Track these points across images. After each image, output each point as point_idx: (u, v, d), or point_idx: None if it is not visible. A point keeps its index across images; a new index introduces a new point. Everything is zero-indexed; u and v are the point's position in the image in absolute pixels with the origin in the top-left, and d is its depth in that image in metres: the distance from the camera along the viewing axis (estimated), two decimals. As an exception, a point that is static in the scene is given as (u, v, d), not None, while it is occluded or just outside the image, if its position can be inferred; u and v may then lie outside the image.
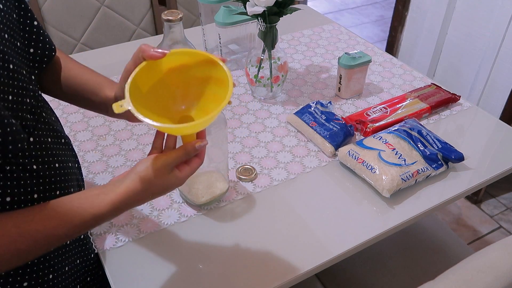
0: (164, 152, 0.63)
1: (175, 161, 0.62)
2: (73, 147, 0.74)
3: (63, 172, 0.65)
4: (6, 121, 0.52)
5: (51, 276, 0.66)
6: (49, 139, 0.64)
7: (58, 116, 1.04)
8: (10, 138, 0.53)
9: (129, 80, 0.57)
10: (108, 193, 0.60)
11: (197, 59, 0.60)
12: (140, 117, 0.54)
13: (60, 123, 0.72)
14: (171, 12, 0.87)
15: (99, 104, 0.73)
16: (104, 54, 1.30)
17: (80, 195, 0.60)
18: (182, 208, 0.83)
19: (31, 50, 0.63)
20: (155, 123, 0.54)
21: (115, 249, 0.76)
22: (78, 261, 0.73)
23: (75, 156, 0.73)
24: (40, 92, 0.64)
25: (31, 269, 0.63)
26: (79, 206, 0.59)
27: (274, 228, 0.80)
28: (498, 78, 1.68)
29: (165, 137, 0.65)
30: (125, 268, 0.73)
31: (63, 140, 0.68)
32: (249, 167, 0.91)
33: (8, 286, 0.61)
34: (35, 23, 0.63)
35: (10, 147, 0.54)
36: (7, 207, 0.57)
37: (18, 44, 0.59)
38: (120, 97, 0.68)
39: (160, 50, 0.59)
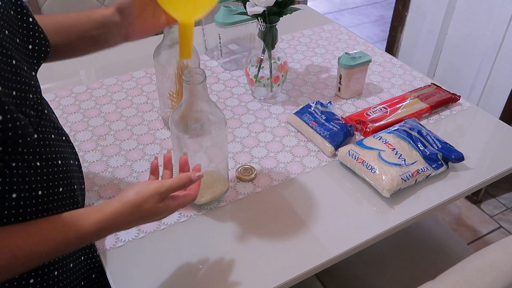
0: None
1: (168, 190, 0.63)
2: (75, 146, 0.74)
3: (66, 169, 0.66)
4: (15, 115, 0.52)
5: (56, 273, 0.67)
6: (52, 136, 0.64)
7: (58, 116, 1.04)
8: (19, 132, 0.53)
9: None
10: (95, 213, 0.60)
11: None
12: None
13: (59, 121, 0.72)
14: (171, 12, 0.87)
15: (98, 28, 0.73)
16: (104, 54, 1.30)
17: (66, 214, 0.60)
18: (182, 208, 0.83)
19: (30, 46, 0.63)
20: None
21: (115, 249, 0.76)
22: (82, 258, 0.73)
23: (76, 153, 0.73)
24: (40, 89, 0.64)
25: (37, 267, 0.63)
26: (64, 224, 0.58)
27: (274, 228, 0.80)
28: (498, 78, 1.68)
29: (162, 172, 0.67)
30: (125, 268, 0.73)
31: (64, 138, 0.68)
32: (249, 167, 0.91)
33: (15, 283, 0.61)
34: (31, 19, 0.64)
35: (20, 141, 0.54)
36: (13, 203, 0.57)
37: (18, 40, 0.59)
38: (123, 4, 0.70)
39: None
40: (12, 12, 0.60)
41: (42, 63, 0.67)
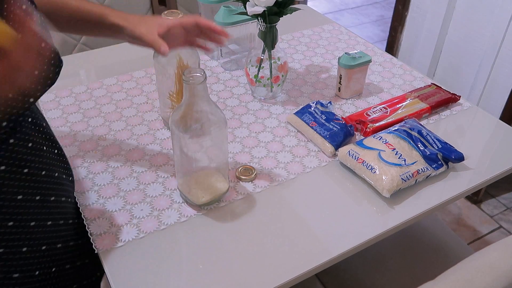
0: None
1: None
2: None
3: (50, 180, 0.69)
4: None
5: (67, 266, 0.70)
6: (33, 142, 0.66)
7: (58, 116, 1.04)
8: None
9: None
10: None
11: None
12: None
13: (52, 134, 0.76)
14: (171, 12, 0.87)
15: (106, 29, 0.78)
16: (104, 54, 1.30)
17: None
18: (182, 208, 0.83)
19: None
20: None
21: (115, 249, 0.76)
22: (78, 263, 0.75)
23: (67, 168, 0.79)
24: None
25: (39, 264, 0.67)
26: None
27: (274, 228, 0.80)
28: (498, 78, 1.68)
29: None
30: (125, 268, 0.73)
31: (56, 151, 0.73)
32: (249, 167, 0.91)
33: (39, 272, 0.64)
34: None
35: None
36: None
37: None
38: (123, 25, 0.76)
39: None
40: None
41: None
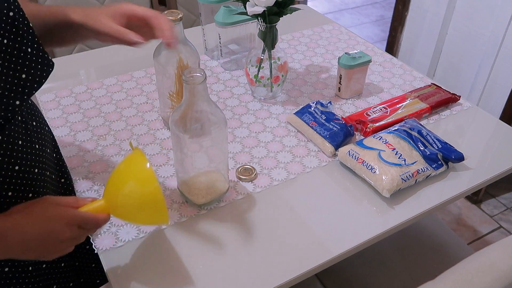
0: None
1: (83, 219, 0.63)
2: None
3: (23, 176, 0.68)
4: None
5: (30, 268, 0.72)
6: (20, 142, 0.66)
7: (58, 116, 1.04)
8: None
9: None
10: None
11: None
12: None
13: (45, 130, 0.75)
14: (171, 12, 0.87)
15: (67, 30, 0.72)
16: (104, 54, 1.30)
17: None
18: (182, 208, 0.83)
19: (23, 76, 0.61)
20: None
21: (115, 249, 0.76)
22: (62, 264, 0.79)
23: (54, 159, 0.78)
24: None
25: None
26: None
27: (274, 228, 0.80)
28: (498, 78, 1.68)
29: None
30: (125, 268, 0.73)
31: (40, 147, 0.71)
32: (249, 167, 0.91)
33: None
34: (29, 49, 0.61)
35: None
36: None
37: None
38: (83, 21, 0.70)
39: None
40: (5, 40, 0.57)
41: (42, 83, 0.65)
